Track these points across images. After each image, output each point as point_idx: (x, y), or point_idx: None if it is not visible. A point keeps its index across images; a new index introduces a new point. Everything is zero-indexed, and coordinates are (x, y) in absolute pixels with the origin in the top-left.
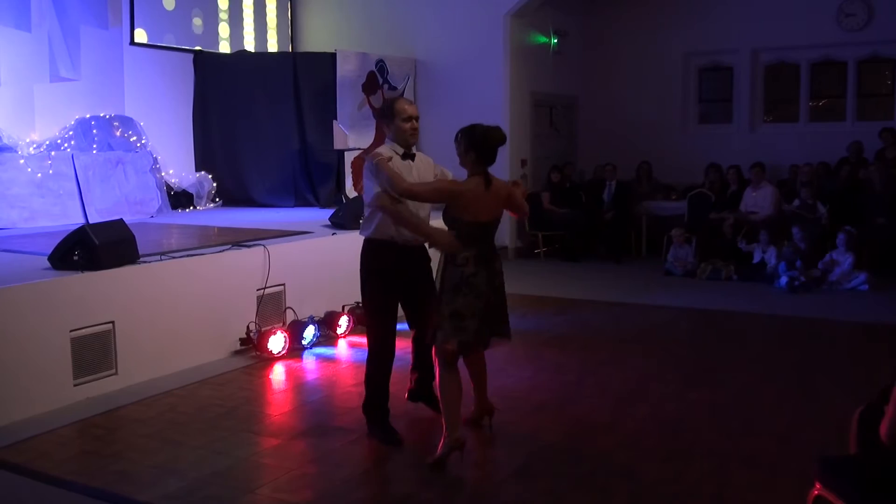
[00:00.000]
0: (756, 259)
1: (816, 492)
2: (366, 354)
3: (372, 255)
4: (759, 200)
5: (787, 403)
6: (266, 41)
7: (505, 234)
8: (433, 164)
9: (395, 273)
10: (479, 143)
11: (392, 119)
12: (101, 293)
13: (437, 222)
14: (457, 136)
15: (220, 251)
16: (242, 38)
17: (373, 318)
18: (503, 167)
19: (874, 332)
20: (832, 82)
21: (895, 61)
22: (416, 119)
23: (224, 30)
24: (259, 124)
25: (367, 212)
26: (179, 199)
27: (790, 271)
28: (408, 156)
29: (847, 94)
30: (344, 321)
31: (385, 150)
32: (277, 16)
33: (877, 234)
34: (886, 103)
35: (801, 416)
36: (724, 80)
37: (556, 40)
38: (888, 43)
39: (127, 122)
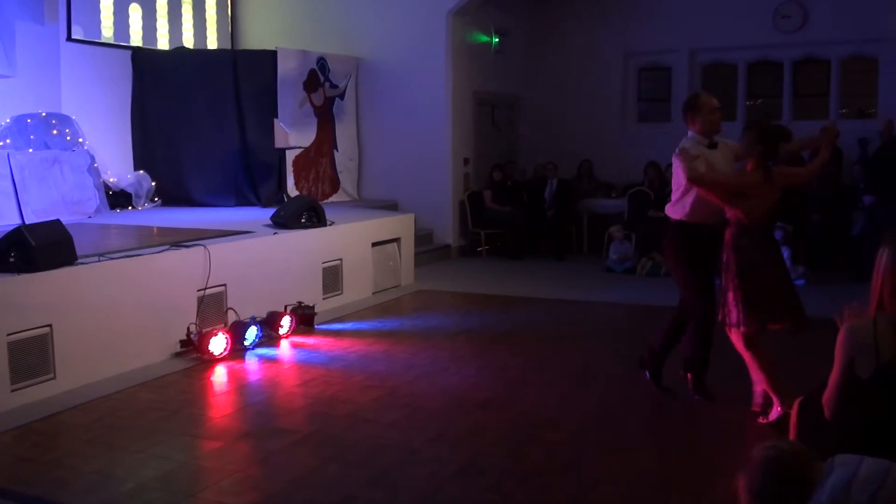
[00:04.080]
0: None
1: None
2: (309, 355)
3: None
4: None
5: (726, 394)
6: (205, 38)
7: (447, 232)
8: (734, 146)
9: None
10: (766, 139)
11: (699, 111)
12: (38, 295)
13: None
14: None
15: (159, 252)
16: (181, 34)
17: (697, 289)
18: (447, 165)
19: (813, 325)
20: (769, 82)
21: (829, 62)
22: (719, 110)
23: (163, 26)
24: (199, 122)
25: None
26: (118, 198)
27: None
28: (713, 145)
29: (783, 94)
30: (286, 321)
31: (689, 144)
32: (217, 12)
33: (812, 231)
34: (821, 103)
35: (739, 407)
36: (662, 80)
37: (497, 39)
38: (823, 44)
39: (64, 121)
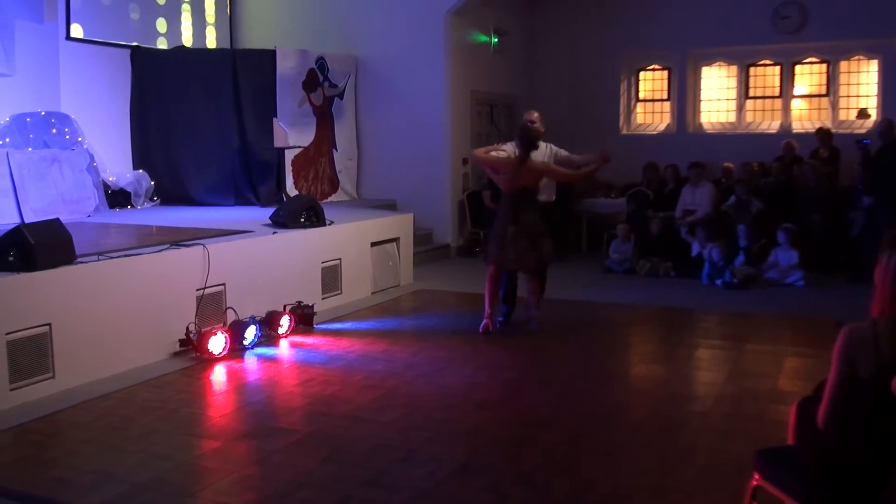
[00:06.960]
0: (694, 252)
1: (755, 482)
2: (308, 355)
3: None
4: (697, 199)
5: (726, 396)
6: (205, 37)
7: (446, 232)
8: (552, 151)
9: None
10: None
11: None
12: (37, 295)
13: None
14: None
15: (158, 251)
16: (180, 33)
17: None
18: (445, 165)
19: (810, 326)
20: (768, 83)
21: (829, 63)
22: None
23: (162, 25)
24: (198, 122)
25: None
26: (117, 197)
27: (718, 279)
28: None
29: (782, 94)
30: (285, 321)
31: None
32: (216, 11)
33: (810, 232)
34: (821, 104)
35: (738, 409)
36: (661, 80)
37: (496, 39)
38: (822, 45)
39: (63, 119)
